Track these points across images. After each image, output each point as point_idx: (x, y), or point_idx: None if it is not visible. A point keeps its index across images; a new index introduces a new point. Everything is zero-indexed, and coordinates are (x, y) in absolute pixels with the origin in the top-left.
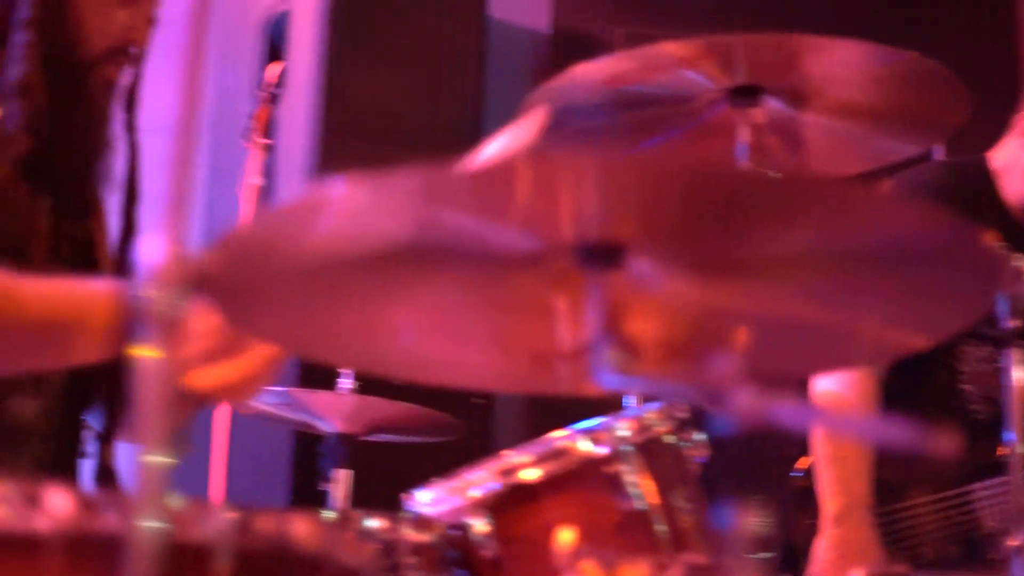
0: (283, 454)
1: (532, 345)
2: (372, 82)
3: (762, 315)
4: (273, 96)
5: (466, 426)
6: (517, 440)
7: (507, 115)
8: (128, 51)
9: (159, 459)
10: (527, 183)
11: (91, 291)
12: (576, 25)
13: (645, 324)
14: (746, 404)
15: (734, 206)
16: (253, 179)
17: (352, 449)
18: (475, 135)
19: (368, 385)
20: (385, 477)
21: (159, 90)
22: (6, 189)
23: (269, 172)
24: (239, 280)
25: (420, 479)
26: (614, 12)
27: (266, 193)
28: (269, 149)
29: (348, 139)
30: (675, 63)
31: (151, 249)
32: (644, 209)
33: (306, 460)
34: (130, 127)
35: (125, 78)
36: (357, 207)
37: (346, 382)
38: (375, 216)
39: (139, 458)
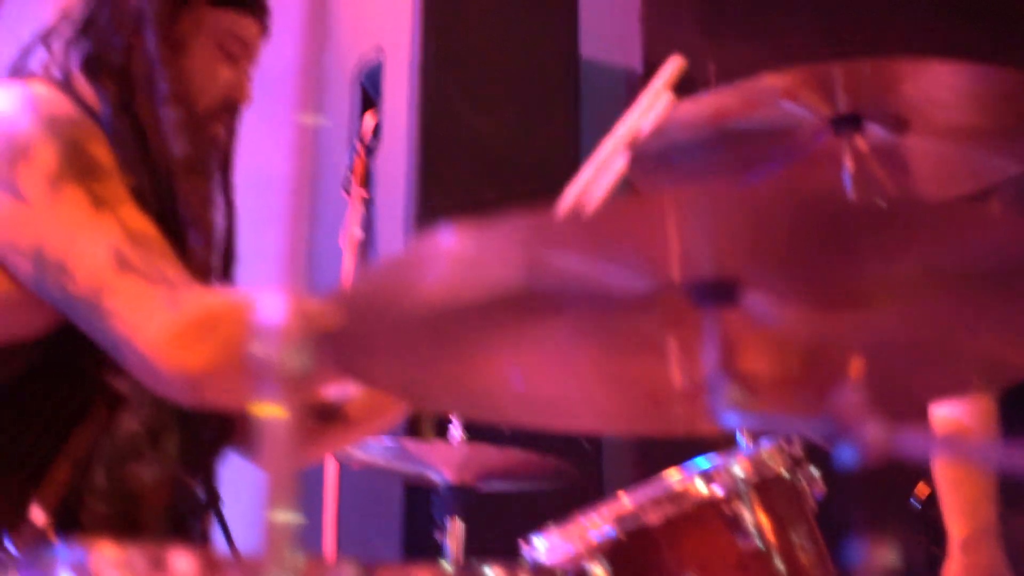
0: (394, 505)
1: (646, 385)
2: (467, 128)
3: (878, 343)
4: (369, 147)
5: (579, 471)
6: (626, 483)
7: None
8: (231, 109)
9: (285, 517)
10: (637, 223)
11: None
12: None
13: (761, 359)
14: (873, 436)
15: (844, 235)
16: (353, 230)
17: (464, 498)
18: (572, 176)
19: (474, 433)
20: (498, 526)
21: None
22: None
23: (369, 223)
24: (355, 333)
25: (532, 526)
26: (704, 45)
27: (367, 244)
28: (368, 200)
29: (446, 187)
30: (776, 95)
31: (270, 307)
32: (755, 244)
33: (417, 511)
34: (226, 186)
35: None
36: (467, 255)
37: (456, 431)
38: (485, 263)
39: (264, 515)
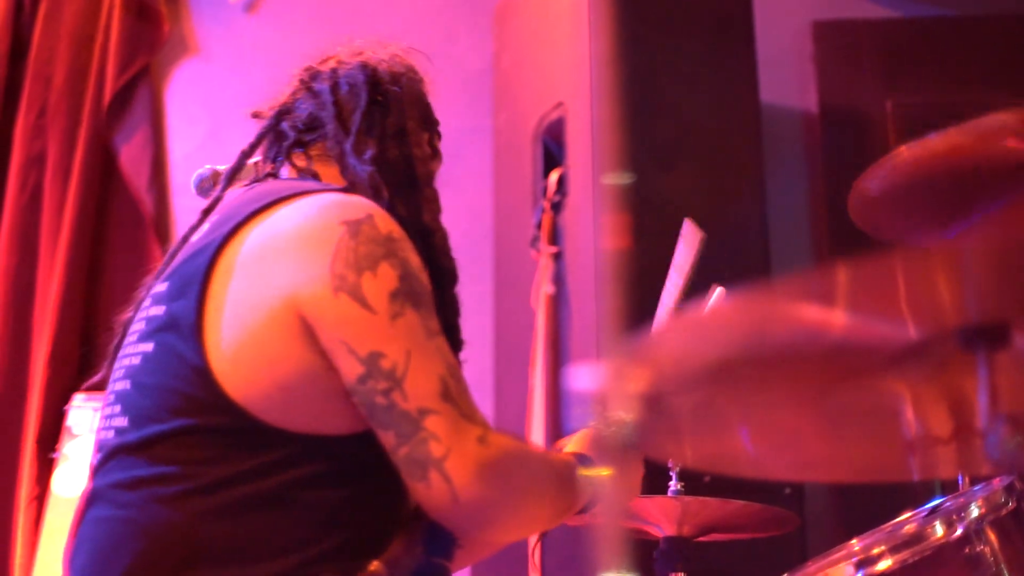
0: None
1: (883, 435)
2: (651, 181)
3: None
4: (555, 204)
5: (798, 519)
6: (826, 526)
7: (785, 197)
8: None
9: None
10: (909, 278)
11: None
12: (843, 100)
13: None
14: None
15: None
16: (545, 287)
17: (685, 551)
18: (761, 222)
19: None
20: None
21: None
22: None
23: (559, 279)
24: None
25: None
26: (880, 83)
27: (558, 301)
28: (557, 256)
29: (637, 240)
30: (999, 134)
31: (584, 377)
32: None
33: (638, 566)
34: None
35: None
36: (743, 318)
37: (674, 484)
38: (758, 325)
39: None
